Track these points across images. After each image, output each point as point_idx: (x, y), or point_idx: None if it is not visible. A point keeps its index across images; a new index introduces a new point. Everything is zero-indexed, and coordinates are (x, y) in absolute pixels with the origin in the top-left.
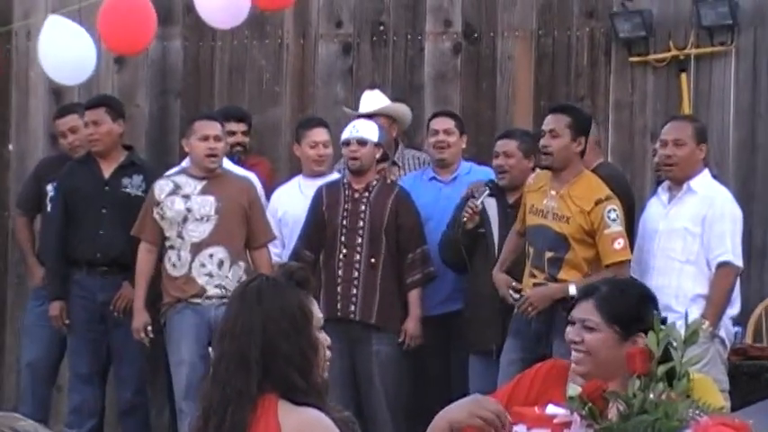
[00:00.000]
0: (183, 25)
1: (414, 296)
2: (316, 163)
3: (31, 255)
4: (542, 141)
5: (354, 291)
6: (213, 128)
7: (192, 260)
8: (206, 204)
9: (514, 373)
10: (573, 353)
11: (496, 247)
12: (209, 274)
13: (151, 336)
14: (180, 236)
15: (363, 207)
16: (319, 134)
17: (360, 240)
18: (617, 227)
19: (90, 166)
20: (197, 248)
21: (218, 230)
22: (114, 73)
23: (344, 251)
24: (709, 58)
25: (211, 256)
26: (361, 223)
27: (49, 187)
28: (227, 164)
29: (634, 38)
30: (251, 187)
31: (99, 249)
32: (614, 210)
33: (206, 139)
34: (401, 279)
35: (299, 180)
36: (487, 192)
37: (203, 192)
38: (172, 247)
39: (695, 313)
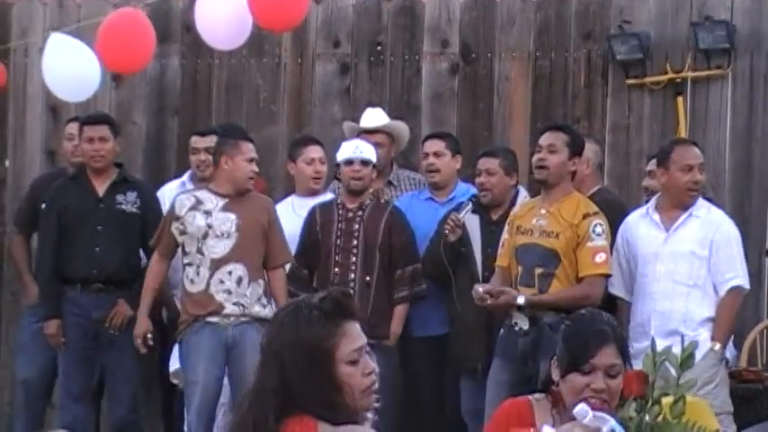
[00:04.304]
0: (182, 43)
1: (398, 311)
2: (314, 180)
3: (26, 272)
4: (539, 155)
5: None
6: (251, 150)
7: (211, 276)
8: (227, 221)
9: (502, 394)
10: (594, 401)
11: (479, 266)
12: (228, 291)
13: (150, 344)
14: (200, 251)
15: (357, 226)
16: (315, 151)
17: (354, 259)
18: (601, 241)
19: (82, 183)
20: (216, 265)
21: (238, 248)
22: (112, 89)
23: (337, 270)
24: (705, 81)
25: (230, 273)
26: (355, 242)
27: (44, 205)
28: None
29: (631, 60)
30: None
31: (95, 266)
32: (600, 225)
33: (251, 161)
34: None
35: (292, 199)
36: (470, 207)
37: (224, 209)
38: (190, 264)
39: (705, 336)
